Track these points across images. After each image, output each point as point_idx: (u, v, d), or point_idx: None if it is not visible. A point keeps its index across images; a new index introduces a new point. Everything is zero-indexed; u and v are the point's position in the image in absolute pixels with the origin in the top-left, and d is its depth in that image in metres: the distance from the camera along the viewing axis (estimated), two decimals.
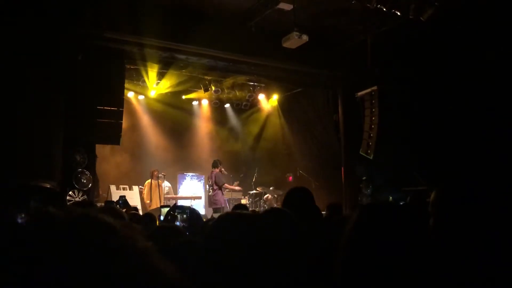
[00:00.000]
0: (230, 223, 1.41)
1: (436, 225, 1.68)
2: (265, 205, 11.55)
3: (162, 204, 10.40)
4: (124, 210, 4.13)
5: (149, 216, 3.81)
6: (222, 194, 10.79)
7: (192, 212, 2.92)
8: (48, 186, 7.29)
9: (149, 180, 10.95)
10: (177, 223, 2.80)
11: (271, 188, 12.17)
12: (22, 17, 7.07)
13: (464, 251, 1.56)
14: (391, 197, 9.03)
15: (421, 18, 7.94)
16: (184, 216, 2.85)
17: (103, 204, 7.22)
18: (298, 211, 2.40)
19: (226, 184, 10.88)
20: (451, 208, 1.65)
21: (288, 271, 1.43)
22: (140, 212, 8.74)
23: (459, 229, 1.60)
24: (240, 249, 1.30)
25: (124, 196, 6.71)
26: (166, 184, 11.59)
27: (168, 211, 3.00)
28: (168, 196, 11.27)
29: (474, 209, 1.59)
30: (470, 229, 1.57)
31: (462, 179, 1.74)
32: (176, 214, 2.86)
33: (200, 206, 12.01)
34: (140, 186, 11.14)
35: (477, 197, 1.65)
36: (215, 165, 10.91)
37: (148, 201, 10.71)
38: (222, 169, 10.97)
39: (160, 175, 10.93)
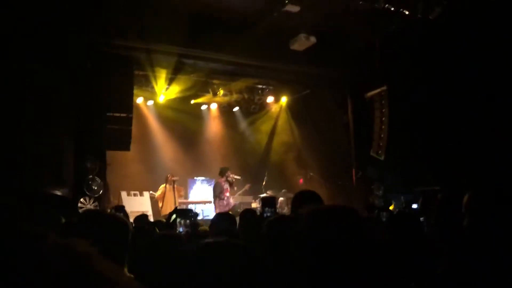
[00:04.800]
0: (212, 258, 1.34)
1: (471, 225, 1.72)
2: (278, 209, 11.49)
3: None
4: None
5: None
6: (222, 201, 10.22)
7: (192, 217, 2.89)
8: (60, 194, 7.34)
9: (164, 185, 10.98)
10: (180, 229, 2.76)
11: (282, 191, 12.13)
12: (31, 27, 7.14)
13: (500, 251, 1.59)
14: (402, 198, 8.93)
15: (430, 17, 7.87)
16: (188, 221, 2.81)
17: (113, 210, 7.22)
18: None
19: (224, 193, 10.34)
20: (488, 209, 1.69)
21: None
22: (151, 218, 8.76)
23: (495, 230, 1.64)
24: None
25: (123, 207, 6.79)
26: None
27: (168, 217, 2.98)
28: (180, 200, 11.29)
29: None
30: (506, 230, 1.60)
31: (498, 181, 1.79)
32: (179, 219, 2.82)
33: (211, 211, 12.00)
34: (151, 192, 11.16)
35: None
36: (219, 173, 10.58)
37: (159, 205, 10.75)
38: (231, 175, 10.55)
39: (174, 178, 10.99)
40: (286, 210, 10.84)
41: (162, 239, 2.22)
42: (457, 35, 8.24)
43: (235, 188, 11.02)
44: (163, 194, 10.81)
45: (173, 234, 2.35)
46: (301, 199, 2.67)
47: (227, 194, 10.40)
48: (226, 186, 10.37)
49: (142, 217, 5.57)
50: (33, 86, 7.25)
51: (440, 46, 8.61)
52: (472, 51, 8.07)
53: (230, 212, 9.48)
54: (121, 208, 6.89)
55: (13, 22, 6.96)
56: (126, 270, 2.19)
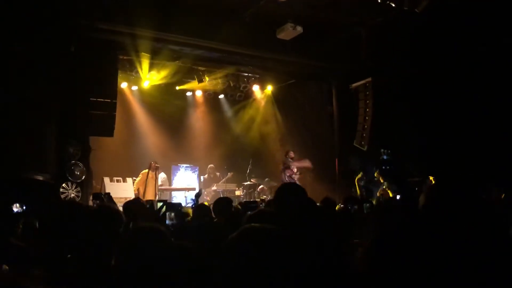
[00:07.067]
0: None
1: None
2: (260, 196, 11.58)
3: (156, 195, 10.42)
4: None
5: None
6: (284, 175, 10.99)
7: (180, 211, 2.93)
8: (42, 179, 7.28)
9: (146, 170, 10.87)
10: (167, 222, 2.81)
11: (266, 179, 12.18)
12: (14, 10, 6.99)
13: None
14: (389, 190, 9.05)
15: (416, 10, 7.92)
16: (172, 214, 2.85)
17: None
18: (290, 208, 2.40)
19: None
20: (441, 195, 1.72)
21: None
22: None
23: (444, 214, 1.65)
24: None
25: (100, 194, 6.68)
26: (161, 176, 11.58)
27: (159, 209, 3.01)
28: (162, 187, 11.25)
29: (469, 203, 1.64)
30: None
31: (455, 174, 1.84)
32: (166, 212, 2.86)
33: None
34: (134, 178, 11.09)
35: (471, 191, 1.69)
36: None
37: (141, 190, 10.64)
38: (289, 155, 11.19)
39: (156, 165, 10.93)
40: (268, 198, 10.92)
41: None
42: (442, 28, 8.32)
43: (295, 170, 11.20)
44: (144, 180, 10.71)
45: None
46: (284, 191, 2.68)
47: (291, 174, 10.97)
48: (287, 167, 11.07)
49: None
50: (15, 69, 7.12)
51: (425, 38, 8.69)
52: (457, 43, 8.17)
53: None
54: (98, 195, 6.71)
55: None
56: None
